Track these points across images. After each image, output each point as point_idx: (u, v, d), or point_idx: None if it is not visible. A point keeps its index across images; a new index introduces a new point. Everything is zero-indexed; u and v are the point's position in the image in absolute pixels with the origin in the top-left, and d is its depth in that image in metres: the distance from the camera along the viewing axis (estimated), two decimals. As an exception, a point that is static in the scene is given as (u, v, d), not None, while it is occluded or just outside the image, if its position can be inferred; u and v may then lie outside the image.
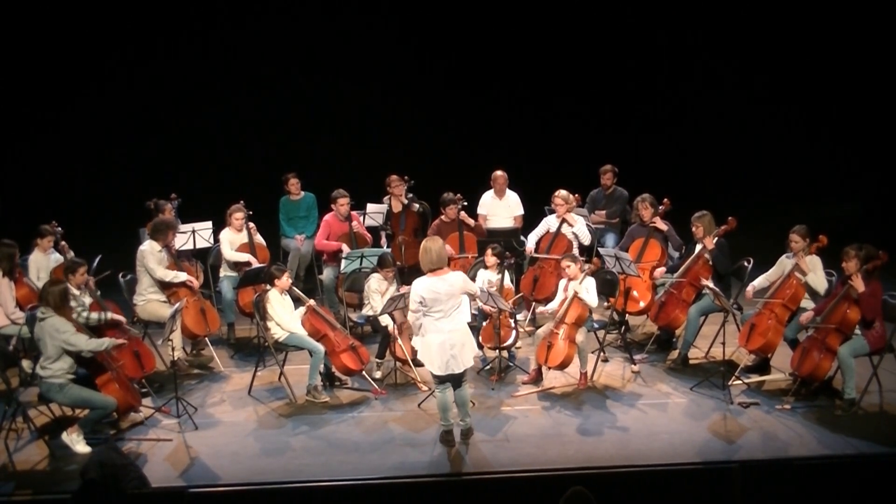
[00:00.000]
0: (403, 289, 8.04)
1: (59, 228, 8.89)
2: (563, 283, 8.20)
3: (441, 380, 6.90)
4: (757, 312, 7.97)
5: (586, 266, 8.15)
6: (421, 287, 6.80)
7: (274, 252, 10.06)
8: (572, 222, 9.45)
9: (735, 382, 7.87)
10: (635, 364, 8.44)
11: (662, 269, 8.79)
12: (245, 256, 9.22)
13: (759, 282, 8.23)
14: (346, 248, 9.55)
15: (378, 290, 8.48)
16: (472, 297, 7.14)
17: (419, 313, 6.84)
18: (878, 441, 6.91)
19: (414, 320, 6.97)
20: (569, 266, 8.04)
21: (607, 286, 8.70)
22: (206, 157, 14.55)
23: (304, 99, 14.59)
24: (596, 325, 8.41)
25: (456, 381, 6.94)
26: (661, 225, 9.02)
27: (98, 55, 13.97)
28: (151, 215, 9.38)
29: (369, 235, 10.05)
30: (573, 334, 7.85)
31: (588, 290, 7.92)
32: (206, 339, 8.93)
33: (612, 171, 10.33)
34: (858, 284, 7.30)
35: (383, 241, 10.38)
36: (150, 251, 8.43)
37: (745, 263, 8.72)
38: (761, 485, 6.30)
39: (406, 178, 10.38)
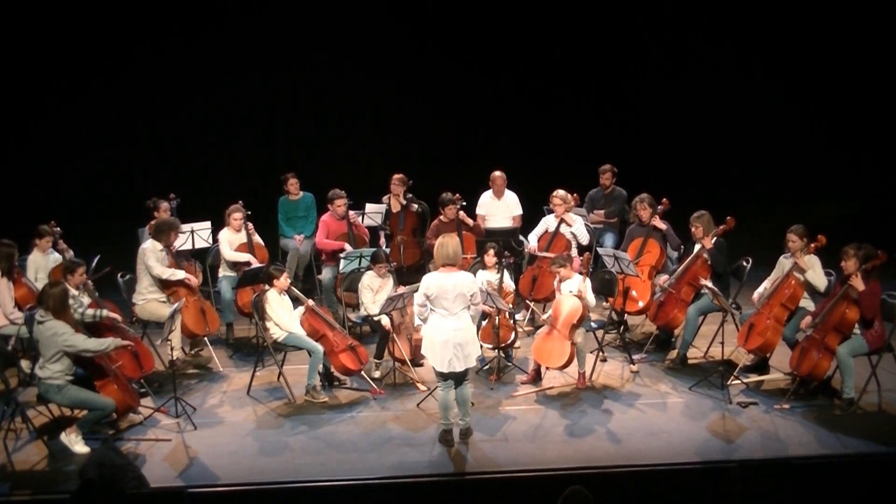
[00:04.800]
0: (401, 289, 8.04)
1: (58, 228, 8.89)
2: (555, 282, 8.21)
3: (443, 377, 6.91)
4: (755, 312, 7.97)
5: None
6: (430, 281, 6.84)
7: (273, 252, 10.06)
8: (571, 222, 9.45)
9: (734, 382, 7.86)
10: (634, 364, 8.44)
11: (666, 276, 8.77)
12: (245, 256, 9.23)
13: (763, 288, 8.18)
14: (348, 248, 9.54)
15: (370, 286, 8.46)
16: (475, 303, 7.08)
17: (425, 307, 6.89)
18: (877, 441, 6.91)
19: (419, 313, 7.03)
20: (560, 270, 8.06)
21: (606, 286, 8.70)
22: (204, 156, 14.55)
23: (304, 98, 14.60)
24: (594, 325, 8.41)
25: (458, 379, 6.95)
26: (660, 224, 9.02)
27: (97, 54, 13.98)
28: (151, 215, 9.39)
29: (366, 231, 10.05)
30: (572, 334, 7.86)
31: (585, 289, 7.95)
32: (206, 339, 8.93)
33: (611, 170, 10.34)
34: (858, 284, 7.30)
35: (382, 240, 10.38)
36: (151, 249, 8.44)
37: (744, 263, 8.72)
38: (760, 484, 6.30)
39: (405, 178, 10.40)
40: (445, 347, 6.78)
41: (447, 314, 6.81)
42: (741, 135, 14.74)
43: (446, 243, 6.89)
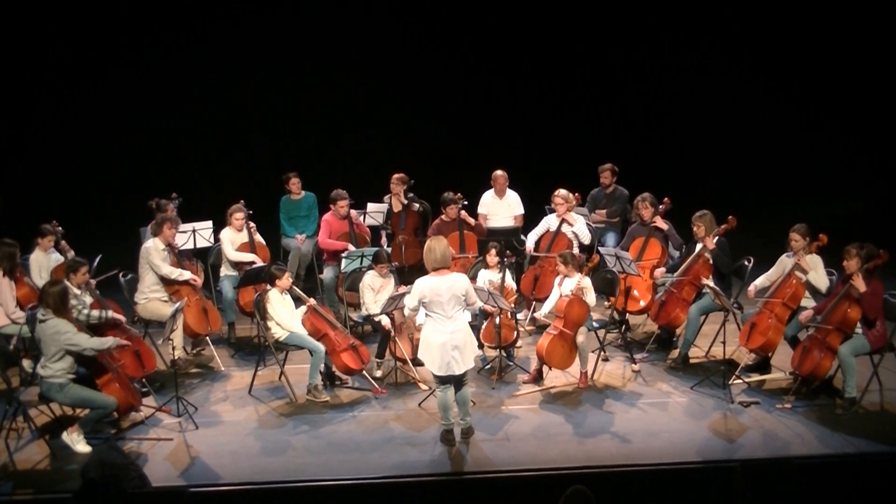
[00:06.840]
0: (402, 289, 8.03)
1: (60, 228, 8.89)
2: (557, 279, 8.21)
3: (442, 380, 6.90)
4: (757, 311, 7.97)
5: (586, 262, 8.21)
6: (423, 286, 6.82)
7: (274, 251, 10.06)
8: (572, 221, 9.45)
9: (735, 381, 7.87)
10: (636, 363, 8.44)
11: (662, 269, 8.80)
12: (249, 256, 9.24)
13: (760, 281, 8.23)
14: (351, 248, 9.55)
15: (371, 286, 8.46)
16: (471, 303, 7.04)
17: (416, 311, 6.94)
18: (879, 440, 6.91)
19: (409, 316, 7.11)
20: (561, 266, 8.06)
21: (607, 285, 8.70)
22: (206, 156, 14.55)
23: (305, 98, 14.58)
24: (596, 325, 8.41)
25: (457, 381, 6.94)
26: (662, 224, 9.02)
27: (98, 54, 13.97)
28: (153, 215, 9.39)
29: (368, 230, 10.06)
30: (574, 334, 7.86)
31: (587, 288, 7.95)
32: (207, 338, 8.93)
33: (611, 169, 10.33)
34: (859, 284, 7.29)
35: (383, 240, 10.39)
36: (154, 248, 8.46)
37: (746, 262, 8.73)
38: (762, 484, 6.29)
39: (405, 177, 10.40)
40: (443, 350, 6.77)
41: (443, 317, 6.80)
42: (743, 134, 14.73)
43: (434, 247, 6.87)
